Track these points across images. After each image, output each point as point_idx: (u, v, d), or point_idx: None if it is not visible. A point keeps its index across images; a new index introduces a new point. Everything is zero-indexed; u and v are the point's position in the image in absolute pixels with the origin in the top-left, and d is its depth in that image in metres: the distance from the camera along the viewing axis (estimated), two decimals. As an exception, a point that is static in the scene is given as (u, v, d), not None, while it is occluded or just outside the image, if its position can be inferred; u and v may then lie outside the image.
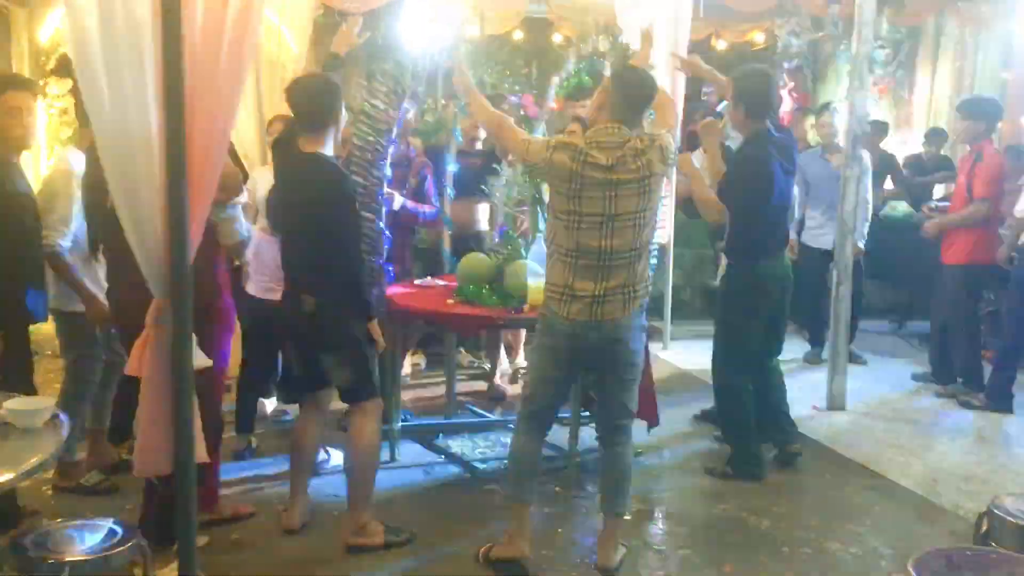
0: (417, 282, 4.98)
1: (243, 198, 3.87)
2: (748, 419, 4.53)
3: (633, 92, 3.40)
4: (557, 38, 9.81)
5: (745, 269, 4.48)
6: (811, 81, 10.80)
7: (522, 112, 4.87)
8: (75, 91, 7.04)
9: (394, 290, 4.69)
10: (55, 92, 7.53)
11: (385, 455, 4.39)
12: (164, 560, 3.18)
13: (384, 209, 4.55)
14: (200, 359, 2.62)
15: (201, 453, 2.60)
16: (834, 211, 6.31)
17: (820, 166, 6.48)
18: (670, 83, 6.55)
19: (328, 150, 3.68)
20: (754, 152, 4.35)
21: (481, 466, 4.62)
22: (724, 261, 4.99)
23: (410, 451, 4.78)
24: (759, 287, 4.44)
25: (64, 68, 7.68)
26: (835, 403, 5.53)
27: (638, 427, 4.58)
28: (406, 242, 5.43)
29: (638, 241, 3.36)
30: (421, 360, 6.53)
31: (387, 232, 4.60)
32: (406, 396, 5.45)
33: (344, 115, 3.81)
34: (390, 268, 4.66)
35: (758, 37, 10.52)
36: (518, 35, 10.62)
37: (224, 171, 3.39)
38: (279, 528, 3.84)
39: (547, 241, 3.52)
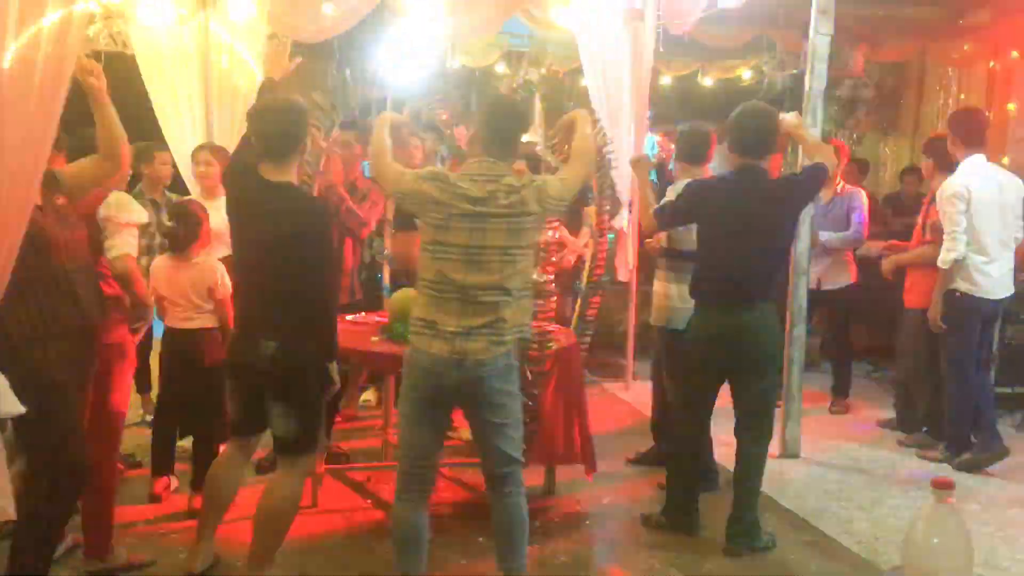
0: (349, 318, 4.80)
1: (136, 219, 3.69)
2: (686, 468, 4.30)
3: (501, 125, 3.30)
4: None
5: (696, 313, 4.20)
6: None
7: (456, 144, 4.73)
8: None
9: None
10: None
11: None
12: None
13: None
14: (9, 404, 2.44)
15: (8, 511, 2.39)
16: (823, 247, 6.27)
17: None
18: (633, 125, 6.47)
19: (292, 177, 3.50)
20: (710, 182, 4.26)
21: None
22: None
23: (336, 495, 4.59)
24: (700, 335, 4.13)
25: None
26: (788, 450, 5.31)
27: (579, 472, 4.49)
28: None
29: (506, 281, 3.20)
30: (373, 397, 6.35)
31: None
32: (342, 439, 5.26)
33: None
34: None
35: (745, 74, 10.41)
36: (500, 68, 10.64)
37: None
38: (176, 577, 3.63)
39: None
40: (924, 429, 5.61)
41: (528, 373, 4.08)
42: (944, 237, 4.98)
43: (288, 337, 3.39)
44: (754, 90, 10.35)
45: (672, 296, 4.65)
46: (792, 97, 10.39)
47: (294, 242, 3.37)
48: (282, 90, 4.16)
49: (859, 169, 8.05)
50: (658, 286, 4.79)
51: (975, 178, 4.98)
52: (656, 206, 4.38)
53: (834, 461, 5.32)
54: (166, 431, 4.60)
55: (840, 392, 6.53)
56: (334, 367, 3.52)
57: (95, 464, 3.58)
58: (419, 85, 4.93)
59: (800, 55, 8.16)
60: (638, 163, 4.61)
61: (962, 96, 8.63)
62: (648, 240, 4.85)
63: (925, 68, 9.20)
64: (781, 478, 4.96)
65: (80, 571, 3.67)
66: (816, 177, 4.16)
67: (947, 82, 8.93)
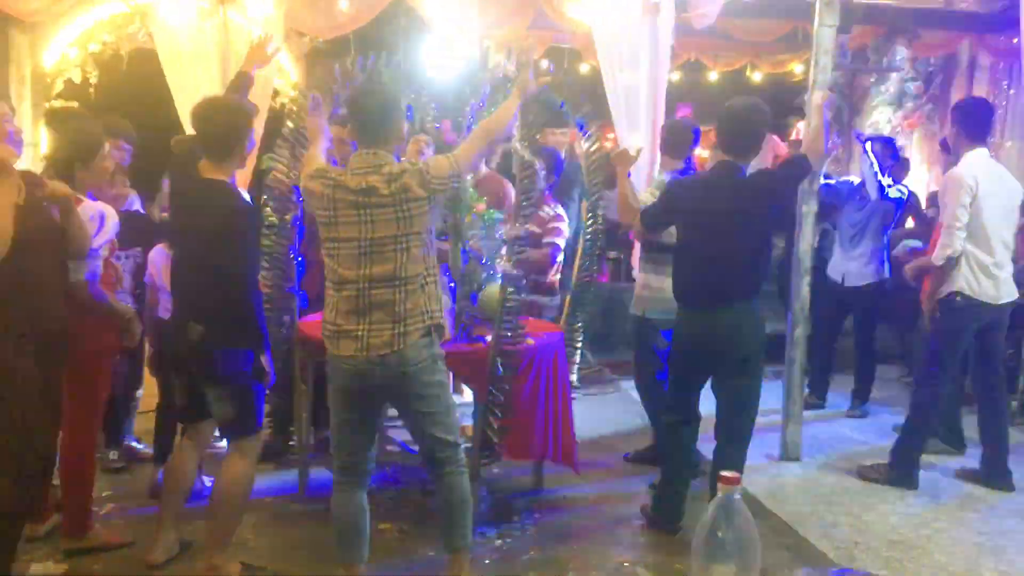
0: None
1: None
2: (671, 463, 4.26)
3: (364, 118, 3.29)
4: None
5: (679, 313, 4.18)
6: (846, 115, 10.44)
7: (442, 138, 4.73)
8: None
9: (308, 319, 4.60)
10: (60, 115, 7.74)
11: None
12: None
13: (298, 236, 4.49)
14: None
15: None
16: (852, 245, 6.18)
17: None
18: (651, 111, 6.39)
19: (228, 176, 3.57)
20: (689, 179, 4.25)
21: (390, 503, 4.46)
22: None
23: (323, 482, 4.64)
24: (684, 335, 4.12)
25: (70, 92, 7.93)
26: (789, 453, 5.20)
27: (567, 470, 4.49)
28: (317, 267, 5.29)
29: (402, 268, 3.20)
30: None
31: (300, 258, 4.53)
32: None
33: (252, 141, 3.67)
34: (303, 294, 4.56)
35: (798, 68, 10.20)
36: (544, 64, 10.63)
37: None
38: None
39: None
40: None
41: (500, 368, 4.08)
42: (942, 231, 4.70)
43: (213, 321, 3.48)
44: (804, 86, 10.19)
45: (650, 286, 4.66)
46: (841, 95, 10.23)
47: (215, 237, 3.47)
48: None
49: (901, 167, 7.82)
50: (638, 276, 4.80)
51: (981, 171, 4.65)
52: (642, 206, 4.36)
53: (836, 465, 5.18)
54: (168, 421, 4.71)
55: (860, 395, 6.35)
56: (263, 360, 3.57)
57: (74, 450, 3.77)
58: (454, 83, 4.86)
59: (837, 50, 7.96)
60: (619, 156, 4.54)
61: (1012, 91, 8.28)
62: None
63: (975, 62, 8.86)
64: (774, 482, 4.88)
65: (59, 550, 3.80)
66: (796, 170, 4.10)
67: (997, 75, 8.57)
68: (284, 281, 4.42)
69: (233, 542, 3.71)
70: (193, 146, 3.66)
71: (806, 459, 5.23)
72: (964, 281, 4.67)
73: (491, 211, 4.63)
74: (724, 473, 1.49)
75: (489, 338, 4.13)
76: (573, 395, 6.48)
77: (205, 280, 3.51)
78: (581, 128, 4.74)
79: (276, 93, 6.80)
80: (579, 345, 4.94)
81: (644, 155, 6.20)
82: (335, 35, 6.28)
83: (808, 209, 5.11)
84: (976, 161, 4.68)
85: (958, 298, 4.67)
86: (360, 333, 3.20)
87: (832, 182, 6.51)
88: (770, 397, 5.31)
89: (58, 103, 7.80)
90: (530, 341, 4.30)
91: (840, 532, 4.24)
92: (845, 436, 5.79)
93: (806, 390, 6.40)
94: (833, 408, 6.45)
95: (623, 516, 4.41)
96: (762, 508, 4.50)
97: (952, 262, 4.63)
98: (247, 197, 3.69)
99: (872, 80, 9.71)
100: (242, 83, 4.21)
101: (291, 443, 4.64)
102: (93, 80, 7.94)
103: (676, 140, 4.91)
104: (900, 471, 4.83)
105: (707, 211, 3.97)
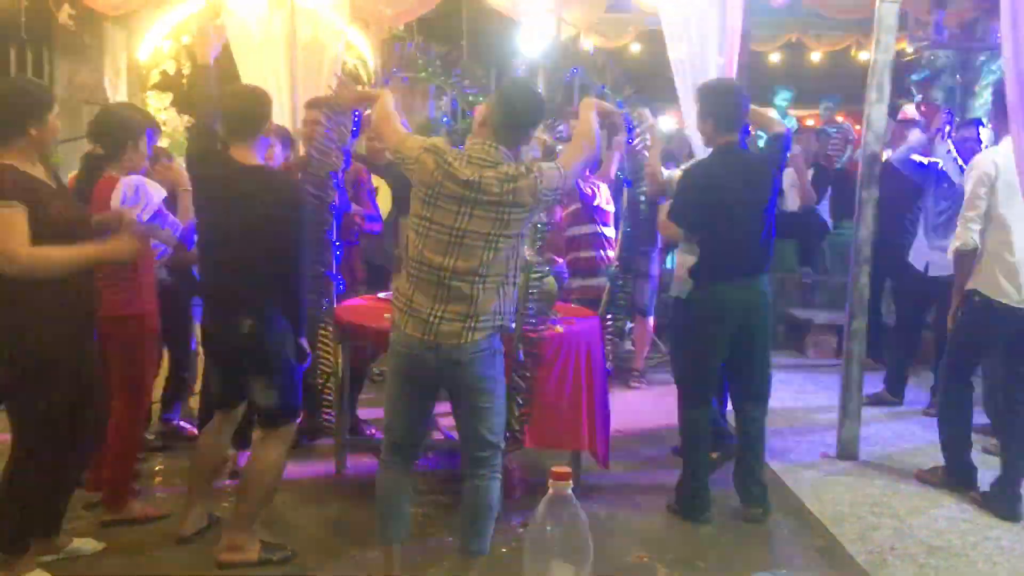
0: (382, 295, 4.89)
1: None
2: (696, 455, 4.20)
3: (515, 113, 3.17)
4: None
5: (695, 291, 4.18)
6: (958, 95, 9.86)
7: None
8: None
9: (345, 303, 4.67)
10: (155, 105, 8.11)
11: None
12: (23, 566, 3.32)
13: (335, 220, 4.55)
14: None
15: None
16: (937, 235, 5.84)
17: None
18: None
19: (261, 160, 3.62)
20: (698, 167, 4.12)
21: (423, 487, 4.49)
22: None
23: (362, 465, 4.72)
24: (711, 313, 4.09)
25: (165, 83, 8.29)
26: (845, 452, 4.96)
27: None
28: (355, 252, 5.35)
29: (486, 267, 3.11)
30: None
31: (337, 242, 4.60)
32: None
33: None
34: (339, 279, 4.62)
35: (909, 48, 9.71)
36: (635, 48, 10.46)
37: None
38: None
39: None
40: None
41: (521, 354, 4.04)
42: (958, 221, 4.37)
43: (263, 314, 3.52)
44: (912, 66, 9.70)
45: (682, 266, 4.59)
46: (954, 73, 9.67)
47: (269, 222, 3.46)
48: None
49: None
50: (678, 259, 4.79)
51: (1003, 160, 4.19)
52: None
53: (892, 466, 4.91)
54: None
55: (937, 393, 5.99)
56: (303, 342, 3.62)
57: (120, 426, 3.92)
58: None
59: (931, 27, 7.54)
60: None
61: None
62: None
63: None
64: (822, 479, 4.68)
65: (97, 522, 3.98)
66: (784, 143, 4.16)
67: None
68: (322, 266, 4.49)
69: (269, 520, 3.82)
70: (206, 138, 3.69)
71: (863, 457, 4.98)
72: (983, 278, 4.30)
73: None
74: (555, 469, 1.43)
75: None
76: (638, 384, 6.46)
77: (253, 270, 3.51)
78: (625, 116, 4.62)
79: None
80: (612, 335, 4.82)
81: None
82: (401, 22, 6.34)
83: (868, 195, 4.84)
84: (1004, 149, 4.23)
85: (976, 297, 4.33)
86: (432, 318, 3.14)
87: (924, 160, 6.12)
88: (834, 393, 5.13)
89: (153, 94, 8.16)
90: (559, 329, 4.24)
91: (879, 535, 4.03)
92: (912, 435, 5.48)
93: (881, 385, 6.13)
94: (915, 406, 6.11)
95: (652, 509, 4.31)
96: (801, 506, 4.34)
97: (967, 257, 4.30)
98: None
99: (982, 58, 9.13)
100: (203, 77, 3.95)
101: (325, 423, 4.70)
102: (186, 71, 8.27)
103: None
104: (957, 474, 4.56)
105: (725, 190, 4.01)
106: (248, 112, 3.56)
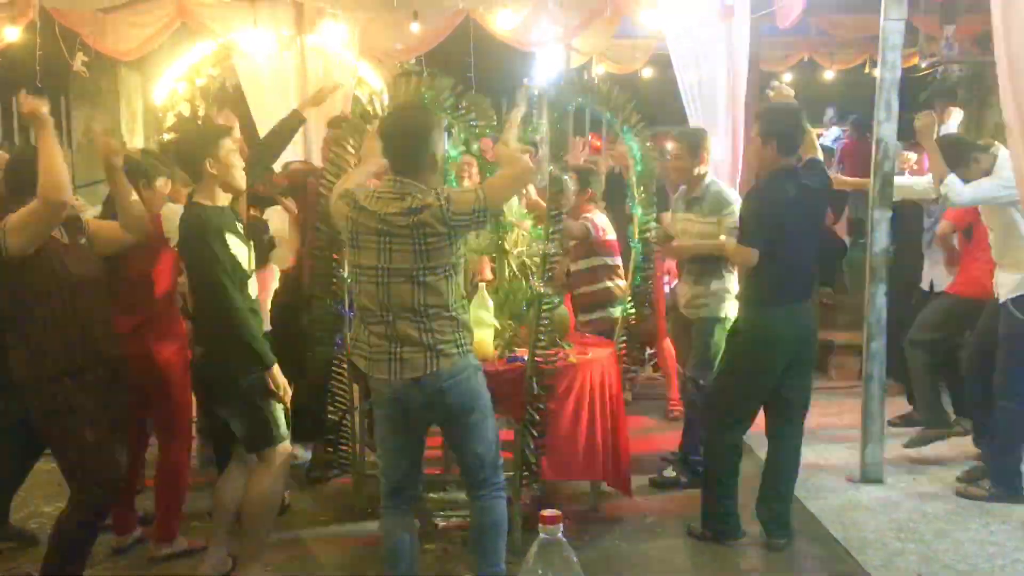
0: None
1: None
2: (731, 478, 4.14)
3: (398, 140, 3.17)
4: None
5: (752, 316, 4.10)
6: (975, 108, 9.78)
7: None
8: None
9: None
10: (172, 147, 8.20)
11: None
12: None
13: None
14: None
15: None
16: (931, 247, 5.75)
17: None
18: (730, 117, 6.16)
19: (207, 198, 3.59)
20: (766, 189, 4.07)
21: (441, 523, 4.45)
22: None
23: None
24: (769, 338, 4.02)
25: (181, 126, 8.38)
26: (869, 475, 4.86)
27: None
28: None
29: (422, 300, 3.11)
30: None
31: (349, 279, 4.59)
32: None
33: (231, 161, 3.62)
34: (350, 314, 4.61)
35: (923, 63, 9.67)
36: (647, 73, 10.46)
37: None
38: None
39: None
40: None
41: (535, 387, 4.01)
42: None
43: (211, 344, 3.60)
44: (928, 81, 9.63)
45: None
46: (969, 87, 9.59)
47: (189, 258, 3.59)
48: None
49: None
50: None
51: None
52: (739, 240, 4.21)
53: (919, 489, 4.81)
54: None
55: (962, 411, 5.88)
56: (274, 375, 3.57)
57: (167, 460, 4.07)
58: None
59: (942, 41, 7.50)
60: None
61: None
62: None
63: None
64: (846, 504, 4.60)
65: (144, 558, 4.06)
66: (823, 170, 4.21)
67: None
68: (333, 300, 4.48)
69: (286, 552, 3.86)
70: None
71: (889, 480, 4.88)
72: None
73: (537, 228, 4.59)
74: (544, 512, 1.40)
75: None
76: (678, 412, 6.33)
77: (199, 303, 3.68)
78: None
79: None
80: (630, 364, 4.79)
81: (725, 161, 6.05)
82: (408, 57, 6.39)
83: (881, 215, 4.80)
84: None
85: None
86: (392, 358, 3.15)
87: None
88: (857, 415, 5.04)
89: (170, 136, 8.26)
90: (573, 360, 4.22)
91: (904, 561, 3.95)
92: (938, 456, 5.34)
93: (909, 407, 6.00)
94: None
95: (673, 536, 4.26)
96: (823, 531, 4.27)
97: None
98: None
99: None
100: (295, 122, 4.37)
101: (341, 458, 4.69)
102: (201, 112, 8.36)
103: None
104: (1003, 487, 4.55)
105: (795, 214, 4.00)
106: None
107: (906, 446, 5.22)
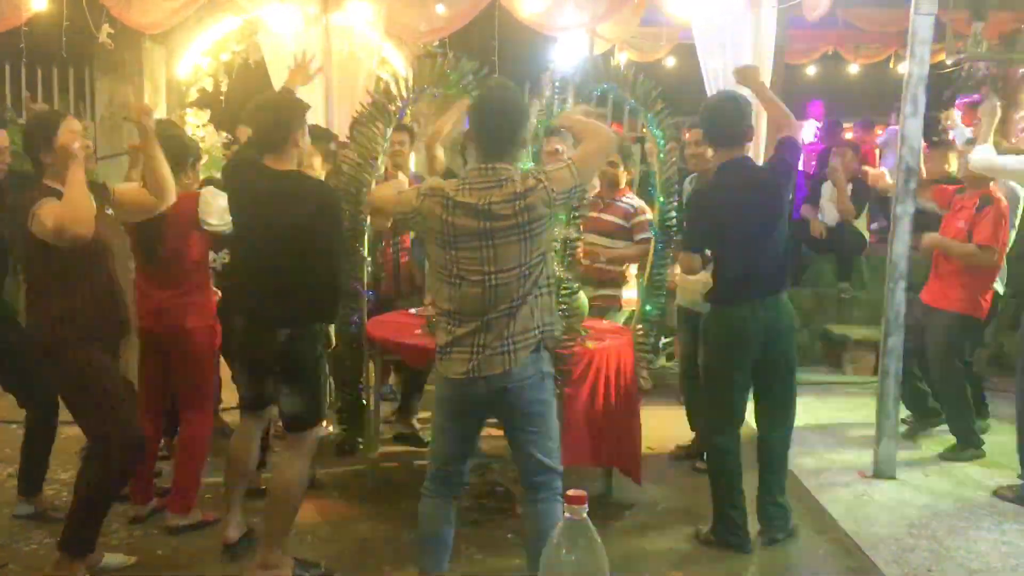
0: (413, 311, 4.88)
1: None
2: (730, 483, 4.07)
3: (493, 123, 3.05)
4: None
5: (715, 315, 4.06)
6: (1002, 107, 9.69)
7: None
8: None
9: (377, 318, 4.69)
10: (194, 122, 8.23)
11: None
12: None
13: (367, 234, 4.57)
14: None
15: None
16: None
17: None
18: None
19: (294, 167, 3.60)
20: (698, 192, 4.11)
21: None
22: None
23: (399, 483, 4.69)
24: (731, 338, 3.96)
25: (203, 100, 8.40)
26: (882, 471, 4.86)
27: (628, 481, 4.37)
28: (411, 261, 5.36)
29: (522, 290, 3.00)
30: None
31: (368, 258, 4.61)
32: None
33: (307, 136, 3.67)
34: (370, 294, 4.64)
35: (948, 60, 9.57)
36: (670, 62, 10.41)
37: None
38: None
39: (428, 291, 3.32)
40: None
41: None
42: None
43: (299, 324, 3.55)
44: (954, 78, 9.55)
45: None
46: (995, 88, 9.50)
47: (302, 227, 3.45)
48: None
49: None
50: None
51: None
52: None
53: (933, 485, 4.81)
54: None
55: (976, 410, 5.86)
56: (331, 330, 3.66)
57: (188, 433, 4.14)
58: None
59: (968, 38, 7.41)
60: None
61: None
62: None
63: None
64: (858, 500, 4.59)
65: (162, 528, 4.10)
66: (792, 150, 3.97)
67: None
68: (354, 280, 4.49)
69: (307, 538, 3.89)
70: (245, 151, 3.78)
71: (902, 477, 4.88)
72: None
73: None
74: (569, 493, 1.40)
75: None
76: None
77: (289, 278, 3.50)
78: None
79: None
80: (647, 352, 4.78)
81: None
82: (435, 37, 6.38)
83: (903, 210, 4.77)
84: None
85: None
86: (470, 355, 3.04)
87: None
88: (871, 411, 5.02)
89: (192, 111, 8.27)
90: (589, 345, 4.22)
91: (915, 557, 3.94)
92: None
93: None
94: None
95: (683, 526, 4.25)
96: (835, 527, 4.26)
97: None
98: None
99: (1023, 71, 8.97)
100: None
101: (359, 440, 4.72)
102: (223, 89, 8.35)
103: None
104: None
105: (731, 208, 3.89)
106: (272, 121, 3.56)
107: (905, 436, 5.23)
